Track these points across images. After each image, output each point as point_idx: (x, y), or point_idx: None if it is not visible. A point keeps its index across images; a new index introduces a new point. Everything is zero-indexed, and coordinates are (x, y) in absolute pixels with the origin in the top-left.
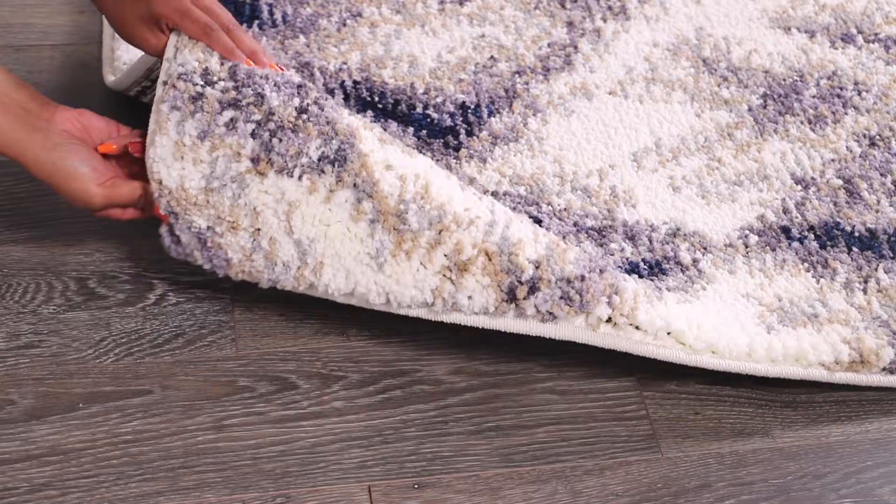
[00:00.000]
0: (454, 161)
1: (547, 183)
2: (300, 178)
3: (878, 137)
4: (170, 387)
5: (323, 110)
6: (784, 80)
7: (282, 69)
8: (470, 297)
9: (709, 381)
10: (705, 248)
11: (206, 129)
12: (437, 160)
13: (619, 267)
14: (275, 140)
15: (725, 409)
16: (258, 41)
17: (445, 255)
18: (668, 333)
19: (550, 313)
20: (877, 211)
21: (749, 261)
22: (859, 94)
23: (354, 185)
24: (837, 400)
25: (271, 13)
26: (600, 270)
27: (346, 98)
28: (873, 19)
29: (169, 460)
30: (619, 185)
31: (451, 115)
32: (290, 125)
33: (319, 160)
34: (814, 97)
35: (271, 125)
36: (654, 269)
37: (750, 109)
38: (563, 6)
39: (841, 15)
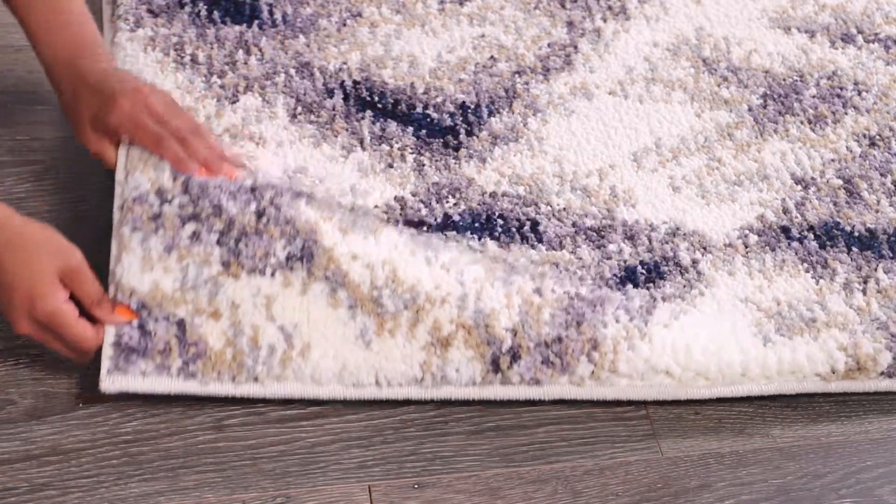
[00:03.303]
0: (454, 161)
1: (546, 183)
2: (272, 274)
3: (878, 137)
4: None
5: (280, 210)
6: (784, 80)
7: (234, 176)
8: (457, 370)
9: None
10: (705, 248)
11: (171, 243)
12: (437, 160)
13: (614, 276)
14: (241, 245)
15: (725, 409)
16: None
17: (427, 332)
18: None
19: (535, 379)
20: (877, 211)
21: (748, 261)
22: (859, 94)
23: (326, 277)
24: (837, 400)
25: (271, 13)
26: (578, 323)
27: (346, 98)
28: (873, 19)
29: (169, 460)
30: (618, 185)
31: (451, 114)
32: (253, 229)
33: (287, 259)
34: (814, 97)
35: (234, 232)
36: (651, 274)
37: (750, 109)
38: (563, 6)
39: (841, 15)
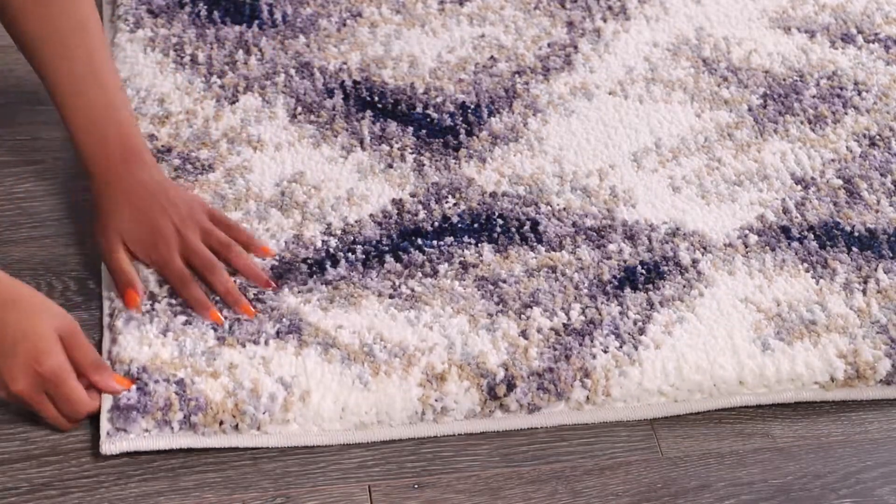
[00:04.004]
0: (453, 161)
1: (546, 183)
2: (266, 343)
3: (878, 137)
4: None
5: (265, 303)
6: (784, 80)
7: (250, 311)
8: (456, 402)
9: None
10: (705, 248)
11: (167, 327)
12: (437, 160)
13: (613, 277)
14: (234, 327)
15: (725, 409)
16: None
17: (421, 372)
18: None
19: (533, 404)
20: (877, 211)
21: (749, 261)
22: (859, 94)
23: (317, 343)
24: (837, 400)
25: (271, 13)
26: (566, 357)
27: (346, 98)
28: (873, 19)
29: (169, 460)
30: (618, 185)
31: (451, 114)
32: (244, 318)
33: (278, 333)
34: (814, 97)
35: (226, 321)
36: (651, 274)
37: (750, 109)
38: (563, 6)
39: (841, 15)
